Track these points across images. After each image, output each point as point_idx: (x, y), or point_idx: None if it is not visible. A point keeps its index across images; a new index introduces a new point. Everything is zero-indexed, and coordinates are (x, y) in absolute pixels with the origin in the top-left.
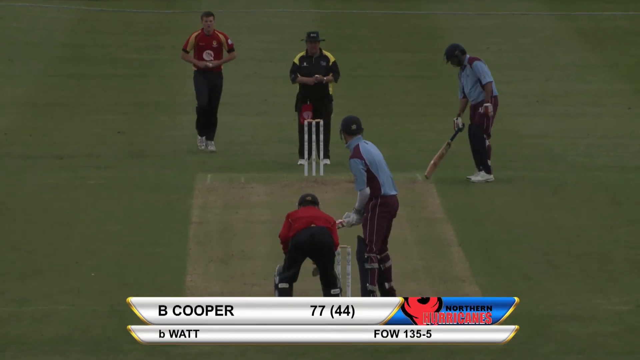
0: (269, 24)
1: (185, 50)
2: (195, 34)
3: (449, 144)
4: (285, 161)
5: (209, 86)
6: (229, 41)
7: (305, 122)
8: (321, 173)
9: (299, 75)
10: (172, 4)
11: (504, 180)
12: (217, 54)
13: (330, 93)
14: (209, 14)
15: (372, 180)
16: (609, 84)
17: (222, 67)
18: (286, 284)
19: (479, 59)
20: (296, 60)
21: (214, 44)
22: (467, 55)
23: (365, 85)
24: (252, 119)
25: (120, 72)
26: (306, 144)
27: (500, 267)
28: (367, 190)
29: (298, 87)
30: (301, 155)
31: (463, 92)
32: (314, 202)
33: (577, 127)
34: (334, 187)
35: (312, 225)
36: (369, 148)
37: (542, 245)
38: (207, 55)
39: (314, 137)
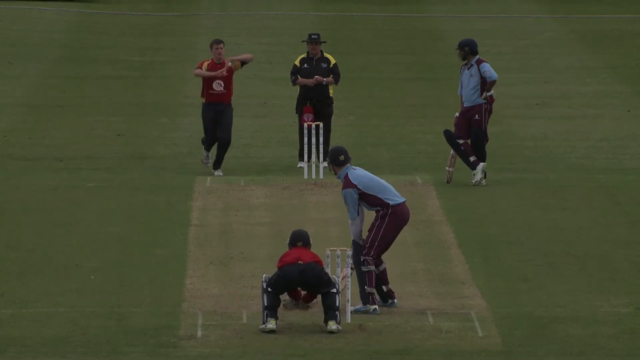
0: (268, 26)
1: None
2: (206, 62)
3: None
4: (285, 164)
5: (217, 119)
6: (237, 58)
7: (305, 125)
8: (321, 176)
9: (299, 77)
10: (171, 6)
11: (503, 182)
12: (227, 84)
13: (331, 95)
14: (219, 42)
15: (375, 200)
16: (608, 86)
17: (231, 99)
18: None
19: (486, 61)
20: (297, 62)
21: (224, 73)
22: (477, 57)
23: (364, 87)
24: (252, 121)
25: (120, 73)
26: (306, 146)
27: (500, 268)
28: (359, 219)
29: (298, 89)
30: (301, 158)
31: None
32: (304, 245)
33: (577, 129)
34: (334, 189)
35: (300, 262)
36: (357, 173)
37: (541, 247)
38: (217, 85)
39: (314, 139)
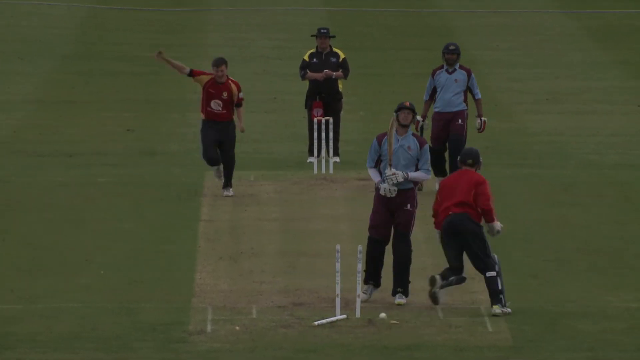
0: (278, 21)
1: (192, 72)
2: (208, 78)
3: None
4: (295, 159)
5: (218, 139)
6: (240, 94)
7: (315, 120)
8: (330, 171)
9: (308, 72)
10: (181, 2)
11: (514, 178)
12: (226, 105)
13: (340, 90)
14: (220, 63)
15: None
16: (619, 82)
17: (232, 118)
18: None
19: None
20: (306, 57)
21: (224, 95)
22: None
23: (375, 83)
24: (262, 116)
25: (130, 69)
26: (316, 141)
27: (511, 264)
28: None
29: (308, 84)
30: (311, 153)
31: (431, 95)
32: (475, 163)
33: (588, 124)
34: (344, 184)
35: (450, 213)
36: None
37: (552, 243)
38: (215, 104)
39: (323, 134)
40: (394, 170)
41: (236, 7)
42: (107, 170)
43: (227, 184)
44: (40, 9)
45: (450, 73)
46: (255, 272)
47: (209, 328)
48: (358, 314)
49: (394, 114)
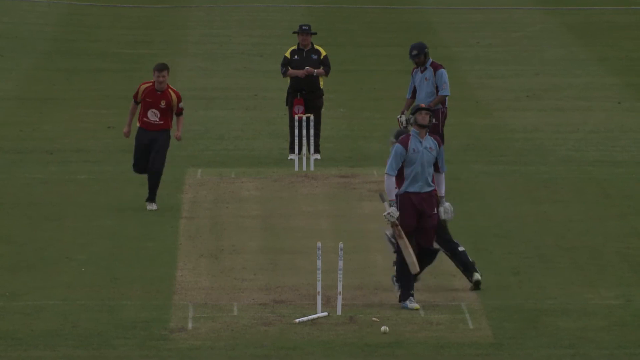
0: (259, 18)
1: (135, 100)
2: (146, 85)
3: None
4: (276, 156)
5: (149, 148)
6: (180, 104)
7: (296, 117)
8: (311, 168)
9: (289, 69)
10: None
11: (494, 175)
12: (163, 115)
13: (321, 87)
14: (162, 68)
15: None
16: (598, 78)
17: (170, 125)
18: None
19: (443, 67)
20: (287, 54)
21: (162, 104)
22: (430, 59)
23: (356, 80)
24: (242, 113)
25: (110, 66)
26: (296, 138)
27: (491, 261)
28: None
29: (289, 80)
30: (291, 150)
31: (412, 93)
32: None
33: (567, 121)
34: (324, 182)
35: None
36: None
37: (532, 239)
38: (152, 114)
39: (304, 132)
40: (446, 207)
41: (216, 4)
42: (87, 167)
43: (151, 198)
44: (21, 6)
45: (422, 72)
46: (236, 269)
47: (189, 325)
48: (339, 311)
49: (411, 116)
